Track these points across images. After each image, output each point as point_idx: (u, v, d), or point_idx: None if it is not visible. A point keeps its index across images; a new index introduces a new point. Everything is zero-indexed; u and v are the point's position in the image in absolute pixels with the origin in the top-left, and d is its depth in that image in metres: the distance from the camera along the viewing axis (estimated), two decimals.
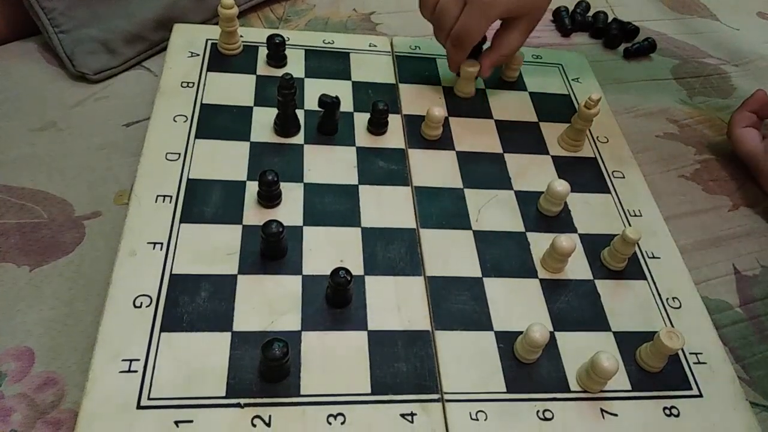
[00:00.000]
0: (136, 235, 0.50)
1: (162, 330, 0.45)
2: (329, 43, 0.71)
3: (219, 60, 0.66)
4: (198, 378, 0.43)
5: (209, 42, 0.68)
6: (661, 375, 0.49)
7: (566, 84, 0.74)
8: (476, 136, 0.65)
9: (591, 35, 0.93)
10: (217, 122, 0.60)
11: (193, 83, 0.63)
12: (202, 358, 0.44)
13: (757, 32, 0.99)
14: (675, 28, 0.97)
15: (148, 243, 0.49)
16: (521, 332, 0.47)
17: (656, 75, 0.86)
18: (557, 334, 0.50)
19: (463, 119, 0.66)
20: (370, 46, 0.72)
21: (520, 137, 0.66)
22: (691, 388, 0.48)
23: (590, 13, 0.94)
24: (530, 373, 0.47)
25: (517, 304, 0.51)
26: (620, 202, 0.61)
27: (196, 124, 0.59)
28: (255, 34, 0.70)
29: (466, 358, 0.47)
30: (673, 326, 0.52)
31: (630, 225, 0.59)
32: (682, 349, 0.50)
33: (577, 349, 0.49)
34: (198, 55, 0.66)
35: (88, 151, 0.59)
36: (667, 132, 0.77)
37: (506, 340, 0.48)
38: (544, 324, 0.49)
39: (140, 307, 0.46)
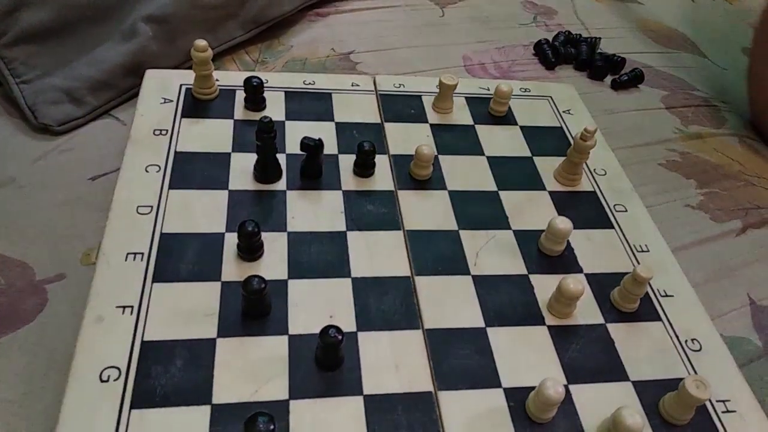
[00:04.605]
0: (103, 299, 0.45)
1: (132, 407, 0.40)
2: (310, 83, 0.68)
3: (194, 105, 0.63)
4: None
5: (183, 87, 0.64)
6: (688, 428, 0.44)
7: (557, 116, 0.71)
8: (468, 173, 0.61)
9: (575, 67, 0.91)
10: (193, 171, 0.56)
11: (167, 130, 0.59)
12: None
13: (744, 73, 0.97)
14: (661, 61, 0.95)
15: (117, 307, 0.45)
16: (532, 387, 0.43)
17: (647, 105, 0.84)
18: (572, 388, 0.45)
19: (454, 157, 0.63)
20: (352, 85, 0.69)
21: (515, 173, 0.62)
22: None
23: (571, 45, 0.93)
24: None
25: (526, 356, 0.47)
26: (625, 237, 0.58)
27: (170, 174, 0.55)
28: (231, 77, 0.66)
29: (474, 421, 0.42)
30: (695, 371, 0.48)
31: (638, 261, 0.55)
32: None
33: (595, 403, 0.44)
34: (171, 101, 0.62)
35: (51, 207, 0.55)
36: (669, 160, 0.74)
37: (517, 398, 0.44)
38: (557, 377, 0.45)
39: (107, 380, 0.41)
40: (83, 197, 0.56)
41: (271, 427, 0.36)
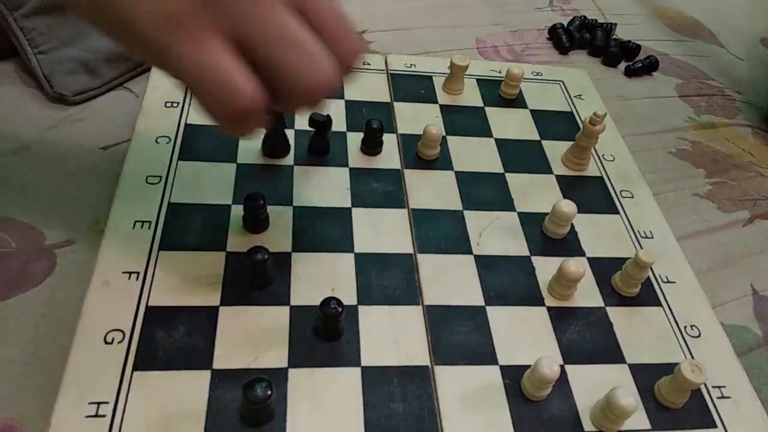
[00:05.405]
0: (110, 264, 0.46)
1: (135, 369, 0.41)
2: None
3: None
4: (172, 422, 0.39)
5: None
6: (682, 412, 0.45)
7: (568, 101, 0.71)
8: (476, 155, 0.61)
9: (589, 53, 0.90)
10: (202, 143, 0.56)
11: (178, 103, 0.60)
12: (177, 399, 0.40)
13: (761, 66, 0.95)
14: (677, 49, 0.94)
15: (123, 272, 0.46)
16: (528, 366, 0.43)
17: (660, 93, 0.83)
18: (568, 368, 0.46)
19: (462, 138, 0.63)
20: (363, 63, 0.69)
21: (522, 156, 0.62)
22: (715, 426, 0.44)
23: (586, 30, 0.92)
24: (540, 411, 0.43)
25: (524, 335, 0.47)
26: (630, 223, 0.58)
27: (180, 146, 0.56)
28: None
29: (469, 396, 0.43)
30: (693, 357, 0.48)
31: (641, 247, 0.56)
32: (704, 383, 0.46)
33: (591, 384, 0.45)
34: None
35: (62, 175, 0.56)
36: (679, 148, 0.74)
37: (512, 375, 0.44)
38: (554, 357, 0.46)
39: (111, 343, 0.42)
40: (94, 166, 0.57)
41: (269, 392, 0.37)
